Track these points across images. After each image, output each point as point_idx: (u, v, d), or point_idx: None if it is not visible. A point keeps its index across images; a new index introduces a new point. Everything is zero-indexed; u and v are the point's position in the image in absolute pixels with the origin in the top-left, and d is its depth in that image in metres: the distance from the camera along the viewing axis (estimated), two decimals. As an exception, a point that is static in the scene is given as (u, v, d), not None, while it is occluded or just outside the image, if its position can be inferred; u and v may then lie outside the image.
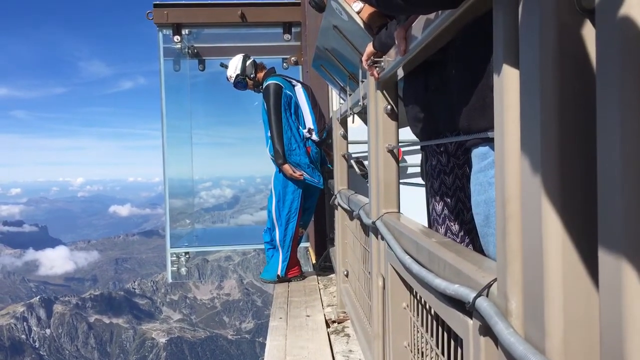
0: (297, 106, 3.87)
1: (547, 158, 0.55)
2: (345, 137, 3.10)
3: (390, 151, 1.61)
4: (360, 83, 2.11)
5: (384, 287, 1.57)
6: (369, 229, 1.86)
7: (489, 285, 0.74)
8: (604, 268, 0.44)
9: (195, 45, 5.84)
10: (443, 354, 1.04)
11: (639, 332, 0.40)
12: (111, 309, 54.64)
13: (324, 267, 4.51)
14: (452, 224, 1.44)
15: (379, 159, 1.63)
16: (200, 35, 5.79)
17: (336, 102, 4.60)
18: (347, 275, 2.95)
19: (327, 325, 2.94)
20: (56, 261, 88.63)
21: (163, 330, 49.85)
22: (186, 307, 56.71)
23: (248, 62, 4.06)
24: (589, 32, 0.53)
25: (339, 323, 2.94)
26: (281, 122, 3.74)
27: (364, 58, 1.61)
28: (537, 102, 0.56)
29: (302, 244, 4.74)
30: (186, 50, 5.74)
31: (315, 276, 4.19)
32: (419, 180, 2.77)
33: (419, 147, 2.12)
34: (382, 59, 1.52)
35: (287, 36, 5.51)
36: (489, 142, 1.07)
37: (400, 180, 1.68)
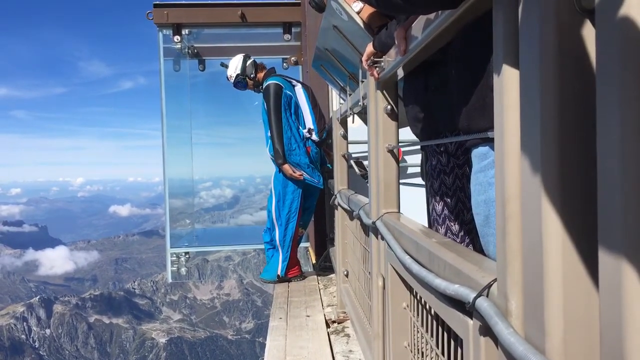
0: (297, 106, 3.87)
1: (547, 158, 0.55)
2: (345, 137, 3.10)
3: (390, 151, 1.61)
4: (360, 83, 2.11)
5: (384, 287, 1.57)
6: (369, 229, 1.86)
7: (489, 286, 0.74)
8: (604, 268, 0.44)
9: (195, 45, 5.84)
10: (443, 354, 1.04)
11: (639, 332, 0.40)
12: (111, 309, 54.65)
13: (324, 267, 4.51)
14: (452, 224, 1.44)
15: (379, 159, 1.63)
16: (200, 35, 5.79)
17: (336, 102, 4.60)
18: (347, 275, 2.95)
19: (327, 325, 2.94)
20: (56, 261, 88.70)
21: (163, 330, 49.86)
22: (186, 307, 56.72)
23: (248, 62, 4.06)
24: (589, 32, 0.53)
25: (339, 323, 2.94)
26: (281, 122, 3.74)
27: (364, 58, 1.61)
28: (537, 102, 0.56)
29: (302, 244, 4.74)
30: (186, 50, 5.74)
31: (315, 276, 4.19)
32: (419, 180, 2.77)
33: (419, 147, 2.12)
34: (382, 59, 1.52)
35: (287, 36, 5.51)
36: (489, 142, 1.07)
37: (400, 181, 1.68)
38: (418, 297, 1.25)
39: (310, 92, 4.02)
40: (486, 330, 0.73)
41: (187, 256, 5.53)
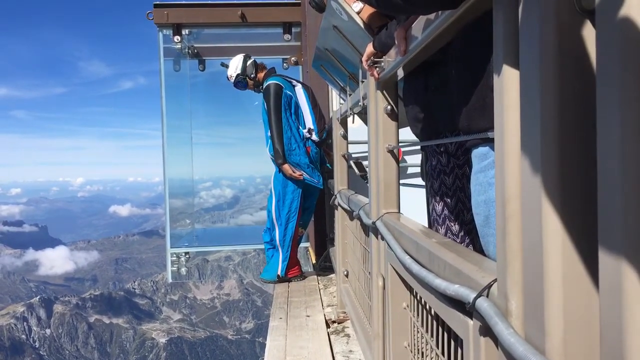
0: (297, 106, 3.87)
1: (547, 158, 0.55)
2: (345, 137, 3.10)
3: (390, 151, 1.61)
4: (360, 83, 2.11)
5: (384, 287, 1.57)
6: (369, 229, 1.86)
7: (489, 286, 0.74)
8: (604, 268, 0.44)
9: (196, 45, 5.84)
10: (443, 354, 1.04)
11: (639, 332, 0.40)
12: (111, 309, 54.65)
13: (324, 267, 4.51)
14: (452, 224, 1.44)
15: (379, 159, 1.63)
16: (201, 36, 5.79)
17: (336, 102, 4.60)
18: (347, 276, 2.95)
19: (327, 326, 2.94)
20: (56, 261, 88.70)
21: (163, 330, 49.86)
22: (186, 307, 56.72)
23: (248, 62, 4.07)
24: (589, 33, 0.53)
25: (339, 323, 2.94)
26: (281, 122, 3.74)
27: (364, 58, 1.61)
28: (537, 102, 0.56)
29: (302, 244, 4.74)
30: (186, 50, 5.74)
31: (315, 276, 4.19)
32: (419, 180, 2.77)
33: (419, 147, 2.12)
34: (382, 59, 1.52)
35: (287, 36, 5.51)
36: (489, 142, 1.07)
37: (400, 181, 1.68)
38: (418, 297, 1.25)
39: (310, 92, 4.02)
40: (486, 330, 0.73)
41: (187, 256, 5.53)
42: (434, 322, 1.10)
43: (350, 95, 2.59)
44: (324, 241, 4.87)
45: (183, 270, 5.49)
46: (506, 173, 0.67)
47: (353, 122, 2.81)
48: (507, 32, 0.66)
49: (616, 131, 0.42)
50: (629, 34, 0.40)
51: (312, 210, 4.27)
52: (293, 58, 5.78)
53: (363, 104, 1.98)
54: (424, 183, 1.68)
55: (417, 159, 3.34)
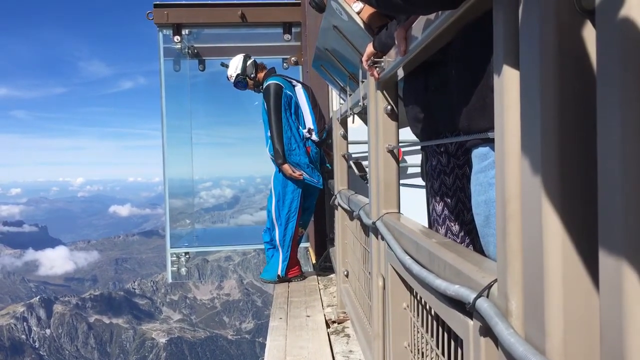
0: (297, 106, 3.87)
1: (547, 158, 0.55)
2: (345, 137, 3.10)
3: (390, 151, 1.61)
4: (360, 83, 2.11)
5: (384, 288, 1.57)
6: (369, 229, 1.86)
7: (489, 286, 0.74)
8: (604, 268, 0.44)
9: (196, 45, 5.84)
10: (443, 354, 1.04)
11: (639, 332, 0.40)
12: (111, 309, 54.65)
13: (324, 267, 4.52)
14: (452, 224, 1.44)
15: (379, 159, 1.63)
16: (201, 36, 5.79)
17: (336, 102, 4.60)
18: (347, 276, 2.95)
19: (327, 326, 2.94)
20: (56, 261, 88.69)
21: (163, 331, 49.86)
22: (186, 307, 56.72)
23: (249, 62, 4.07)
24: (589, 33, 0.53)
25: (339, 323, 2.94)
26: (281, 122, 3.74)
27: (364, 58, 1.61)
28: (538, 102, 0.56)
29: (302, 244, 4.74)
30: (186, 50, 5.74)
31: (315, 276, 4.19)
32: (419, 180, 2.77)
33: (419, 147, 2.12)
34: (382, 59, 1.52)
35: (287, 36, 5.51)
36: (489, 142, 1.07)
37: (400, 181, 1.68)
38: (418, 298, 1.25)
39: (310, 92, 4.02)
40: (486, 330, 0.73)
41: (187, 256, 5.53)
42: (434, 323, 1.10)
43: (350, 95, 2.59)
44: (324, 241, 4.87)
45: (183, 270, 5.49)
46: (506, 173, 0.67)
47: (353, 122, 2.81)
48: (507, 32, 0.66)
49: (616, 131, 0.42)
50: (629, 34, 0.40)
51: (312, 210, 4.27)
52: (293, 58, 5.78)
53: (363, 104, 1.98)
54: (424, 183, 1.68)
55: (417, 159, 3.34)
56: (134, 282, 63.43)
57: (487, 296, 0.74)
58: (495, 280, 0.72)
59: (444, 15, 0.95)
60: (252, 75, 4.05)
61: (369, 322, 2.10)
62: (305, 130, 3.87)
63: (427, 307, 1.16)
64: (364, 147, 2.30)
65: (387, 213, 1.61)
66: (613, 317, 0.43)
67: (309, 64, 4.12)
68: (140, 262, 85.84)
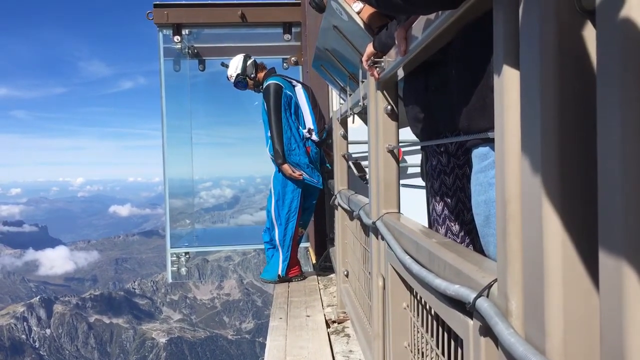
0: (297, 106, 3.87)
1: (548, 158, 0.55)
2: (345, 137, 3.10)
3: (391, 151, 1.61)
4: (360, 83, 2.11)
5: (384, 287, 1.57)
6: (369, 229, 1.86)
7: (489, 286, 0.74)
8: (604, 268, 0.44)
9: (196, 45, 5.84)
10: (443, 354, 1.04)
11: (639, 332, 0.40)
12: (111, 309, 54.64)
13: (324, 267, 4.52)
14: (452, 224, 1.44)
15: (379, 159, 1.63)
16: (201, 36, 5.79)
17: (336, 102, 4.60)
18: (347, 276, 2.95)
19: (327, 326, 2.94)
20: (56, 261, 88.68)
21: (163, 330, 49.86)
22: (186, 307, 56.72)
23: (249, 62, 4.07)
24: (589, 33, 0.53)
25: (339, 323, 2.94)
26: (281, 122, 3.74)
27: (364, 58, 1.61)
28: (538, 102, 0.56)
29: (302, 244, 4.74)
30: (186, 50, 5.74)
31: (315, 276, 4.19)
32: (419, 180, 2.77)
33: (419, 147, 2.12)
34: (382, 59, 1.52)
35: (287, 36, 5.51)
36: (489, 142, 1.07)
37: (401, 181, 1.68)
38: (418, 297, 1.25)
39: (310, 92, 4.02)
40: (486, 330, 0.73)
41: (187, 256, 5.53)
42: (434, 322, 1.10)
43: (350, 95, 2.59)
44: (324, 241, 4.87)
45: (183, 270, 5.49)
46: (506, 173, 0.67)
47: (353, 122, 2.81)
48: (507, 32, 0.66)
49: (616, 131, 0.42)
50: (629, 34, 0.40)
51: (312, 210, 4.27)
52: (293, 58, 5.78)
53: (363, 104, 1.98)
54: (424, 183, 1.68)
55: (417, 159, 3.33)
56: (134, 282, 63.43)
57: (487, 296, 0.74)
58: (495, 280, 0.72)
59: (444, 15, 0.95)
60: (252, 75, 4.05)
61: (369, 322, 2.10)
62: (305, 131, 3.87)
63: (427, 307, 1.16)
64: (364, 147, 2.30)
65: (387, 213, 1.61)
66: (613, 317, 0.43)
67: (309, 64, 4.12)
68: (140, 262, 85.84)
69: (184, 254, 5.49)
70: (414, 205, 2.03)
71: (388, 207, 1.62)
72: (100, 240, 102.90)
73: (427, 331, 1.17)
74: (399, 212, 1.63)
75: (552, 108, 0.54)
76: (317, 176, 3.95)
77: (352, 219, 2.54)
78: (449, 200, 1.43)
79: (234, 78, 4.08)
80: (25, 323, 49.35)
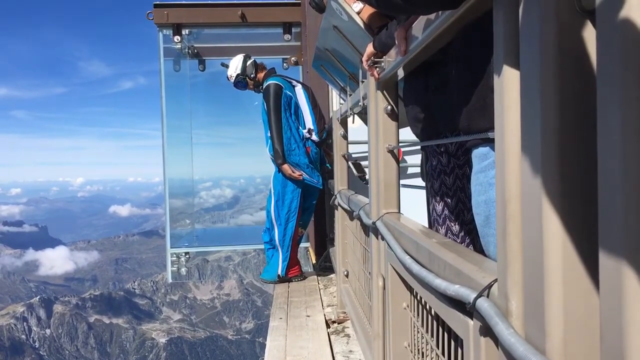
0: (297, 106, 3.87)
1: (548, 158, 0.55)
2: (345, 137, 3.10)
3: (391, 151, 1.61)
4: (360, 83, 2.11)
5: (384, 288, 1.57)
6: (369, 229, 1.86)
7: (489, 286, 0.74)
8: (604, 268, 0.44)
9: (196, 45, 5.84)
10: (443, 354, 1.04)
11: (639, 332, 0.41)
12: (111, 309, 54.64)
13: (324, 267, 4.52)
14: (452, 224, 1.44)
15: (379, 159, 1.63)
16: (201, 36, 5.79)
17: (336, 102, 4.60)
18: (347, 276, 2.95)
19: (327, 326, 2.94)
20: (56, 261, 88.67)
21: (163, 331, 49.85)
22: (186, 307, 56.71)
23: (248, 62, 4.07)
24: (589, 33, 0.53)
25: (339, 323, 2.94)
26: (281, 122, 3.74)
27: (364, 58, 1.61)
28: (538, 102, 0.56)
29: (302, 244, 4.74)
30: (186, 50, 5.74)
31: (315, 276, 4.19)
32: (419, 180, 2.77)
33: (419, 147, 2.12)
34: (382, 60, 1.52)
35: (287, 36, 5.51)
36: (490, 142, 1.07)
37: (401, 181, 1.68)
38: (418, 298, 1.25)
39: (310, 92, 4.02)
40: (486, 330, 0.73)
41: (187, 256, 5.53)
42: (434, 322, 1.10)
43: (350, 95, 2.59)
44: (324, 241, 4.87)
45: (183, 270, 5.49)
46: (506, 173, 0.67)
47: (353, 122, 2.81)
48: (507, 32, 0.66)
49: (617, 131, 0.42)
50: (629, 34, 0.40)
51: (312, 211, 4.27)
52: (293, 58, 5.78)
53: (363, 104, 1.98)
54: (424, 183, 1.68)
55: (417, 159, 3.33)
56: (134, 282, 63.42)
57: (487, 296, 0.74)
58: (496, 280, 0.72)
59: (444, 15, 0.95)
60: (252, 76, 4.05)
61: (369, 322, 2.10)
62: (305, 131, 3.87)
63: (427, 307, 1.16)
64: (364, 147, 2.30)
65: (387, 213, 1.61)
66: (613, 317, 0.43)
67: (309, 64, 4.12)
68: (140, 262, 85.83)
69: (184, 254, 5.49)
70: (414, 205, 2.03)
71: (388, 207, 1.62)
72: (100, 240, 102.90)
73: (427, 331, 1.17)
74: (399, 212, 1.63)
75: (552, 108, 0.54)
76: (317, 176, 3.95)
77: (352, 219, 2.54)
78: (449, 200, 1.43)
79: (233, 78, 4.08)
80: (25, 323, 49.35)
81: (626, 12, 0.40)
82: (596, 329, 0.52)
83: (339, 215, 3.05)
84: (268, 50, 5.83)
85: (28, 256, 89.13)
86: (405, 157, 3.63)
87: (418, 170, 3.17)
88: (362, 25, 1.87)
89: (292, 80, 4.02)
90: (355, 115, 2.66)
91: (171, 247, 5.48)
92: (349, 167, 3.18)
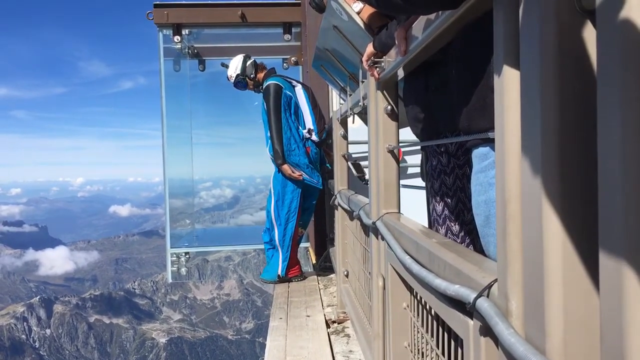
0: (297, 106, 3.87)
1: (548, 158, 0.55)
2: (345, 137, 3.10)
3: (391, 151, 1.61)
4: (360, 83, 2.11)
5: (384, 288, 1.57)
6: (369, 229, 1.86)
7: (489, 286, 0.74)
8: (604, 268, 0.44)
9: (196, 45, 5.84)
10: (443, 354, 1.04)
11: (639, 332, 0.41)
12: (111, 309, 54.64)
13: (324, 267, 4.52)
14: (452, 224, 1.44)
15: (379, 159, 1.63)
16: (201, 36, 5.79)
17: (336, 102, 4.60)
18: (347, 276, 2.95)
19: (327, 326, 2.94)
20: (56, 261, 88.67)
21: (163, 331, 49.85)
22: (186, 307, 56.71)
23: (248, 62, 4.07)
24: (589, 33, 0.53)
25: (339, 323, 2.94)
26: (281, 122, 3.74)
27: (364, 58, 1.61)
28: (538, 102, 0.56)
29: (302, 244, 4.74)
30: (186, 50, 5.74)
31: (316, 276, 4.19)
32: (419, 180, 2.77)
33: (419, 147, 2.12)
34: (382, 60, 1.52)
35: (287, 36, 5.51)
36: (490, 142, 1.07)
37: (401, 181, 1.68)
38: (418, 298, 1.25)
39: (310, 92, 4.02)
40: (486, 330, 0.73)
41: (187, 256, 5.53)
42: (434, 322, 1.10)
43: (350, 95, 2.59)
44: (324, 241, 4.87)
45: (183, 270, 5.49)
46: (506, 173, 0.67)
47: (353, 122, 2.81)
48: (507, 32, 0.66)
49: (617, 131, 0.42)
50: (629, 34, 0.40)
51: (311, 211, 4.27)
52: (293, 58, 5.78)
53: (363, 104, 1.98)
54: (424, 183, 1.68)
55: (417, 159, 3.33)
56: (134, 282, 63.42)
57: (488, 296, 0.74)
58: (496, 280, 0.72)
59: (444, 15, 0.95)
60: (252, 76, 4.05)
61: (369, 322, 2.10)
62: (305, 131, 3.87)
63: (427, 307, 1.16)
64: (364, 147, 2.30)
65: (387, 213, 1.61)
66: (613, 317, 0.43)
67: (309, 64, 4.12)
68: (140, 262, 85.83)
69: (184, 254, 5.49)
70: (414, 205, 2.03)
71: (388, 207, 1.62)
72: (100, 240, 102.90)
73: (427, 331, 1.17)
74: (399, 212, 1.63)
75: (553, 108, 0.54)
76: (317, 176, 3.95)
77: (352, 219, 2.54)
78: (449, 200, 1.43)
79: (233, 78, 4.08)
80: (25, 323, 49.35)
81: (626, 12, 0.40)
82: (596, 329, 0.52)
83: (339, 215, 3.05)
84: (268, 50, 5.83)
85: (28, 256, 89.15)
86: (405, 157, 3.63)
87: (418, 170, 3.17)
88: (362, 25, 1.87)
89: (292, 81, 4.02)
90: (355, 115, 2.66)
91: (171, 247, 5.48)
92: (349, 167, 3.18)
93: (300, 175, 3.79)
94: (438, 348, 1.07)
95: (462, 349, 0.89)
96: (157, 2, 5.30)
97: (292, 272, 3.98)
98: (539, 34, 0.55)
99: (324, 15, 2.24)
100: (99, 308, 54.31)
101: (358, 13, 1.86)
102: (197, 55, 5.91)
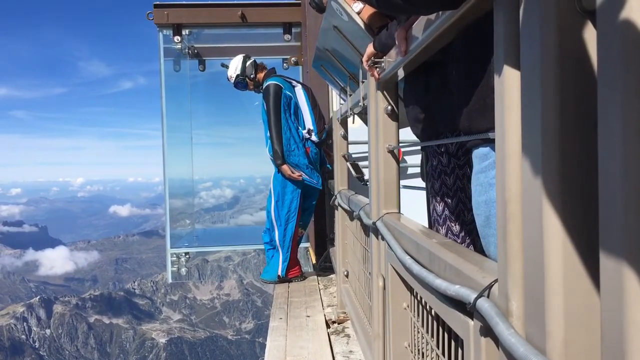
0: (296, 107, 3.87)
1: (548, 158, 0.55)
2: (345, 137, 3.10)
3: (391, 152, 1.61)
4: (360, 83, 2.11)
5: (384, 288, 1.57)
6: (369, 230, 1.86)
7: (489, 286, 0.74)
8: (604, 268, 0.44)
9: (196, 45, 5.84)
10: (444, 354, 1.04)
11: (640, 332, 0.41)
12: (111, 309, 54.63)
13: (324, 267, 4.52)
14: (452, 224, 1.44)
15: (379, 160, 1.63)
16: (201, 36, 5.79)
17: (336, 102, 4.60)
18: (347, 276, 2.95)
19: (327, 326, 2.94)
20: (56, 261, 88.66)
21: (163, 331, 49.85)
22: (186, 307, 56.70)
23: (248, 63, 4.07)
24: (589, 33, 0.53)
25: (339, 323, 2.94)
26: (280, 122, 3.74)
27: (364, 59, 1.61)
28: (538, 102, 0.56)
29: (302, 244, 4.74)
30: (186, 50, 5.74)
31: (316, 276, 4.19)
32: (419, 181, 2.77)
33: (419, 147, 2.12)
34: (382, 60, 1.52)
35: (287, 36, 5.51)
36: (490, 142, 1.07)
37: (401, 182, 1.68)
38: (418, 298, 1.26)
39: (310, 92, 4.02)
40: (487, 330, 0.74)
41: (187, 256, 5.53)
42: (435, 323, 1.10)
43: (350, 95, 2.59)
44: (324, 241, 4.87)
45: (183, 270, 5.49)
46: (507, 173, 0.67)
47: (353, 123, 2.80)
48: (507, 32, 0.66)
49: (617, 132, 0.42)
50: (630, 35, 0.40)
51: (311, 211, 4.27)
52: (293, 58, 5.78)
53: (363, 104, 1.98)
54: (424, 183, 1.68)
55: (417, 159, 3.33)
56: (134, 282, 63.41)
57: (488, 296, 0.74)
58: (496, 281, 0.72)
59: (445, 15, 0.95)
60: (252, 76, 4.05)
61: (369, 322, 2.10)
62: (304, 131, 3.87)
63: (428, 307, 1.16)
64: (364, 147, 2.30)
65: (387, 213, 1.61)
66: (613, 317, 0.43)
67: (309, 64, 4.12)
68: (140, 262, 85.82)
69: (184, 254, 5.49)
70: (414, 205, 2.03)
71: (388, 208, 1.62)
72: (100, 240, 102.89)
73: (427, 331, 1.18)
74: (399, 212, 1.63)
75: (553, 108, 0.55)
76: (317, 177, 3.95)
77: (352, 219, 2.54)
78: (449, 200, 1.43)
79: (233, 79, 4.08)
80: (25, 323, 49.34)
81: (627, 12, 0.40)
82: (597, 329, 0.52)
83: (339, 216, 3.05)
84: (268, 51, 5.83)
85: (28, 256, 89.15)
86: (405, 157, 3.63)
87: (418, 170, 3.17)
88: (362, 25, 1.87)
89: (292, 81, 4.02)
90: (355, 116, 2.66)
91: (171, 247, 5.48)
92: (349, 167, 3.18)
93: (300, 175, 3.79)
94: (438, 348, 1.08)
95: (462, 349, 0.89)
96: (157, 2, 5.30)
97: (292, 273, 3.98)
98: (539, 34, 0.55)
99: (324, 15, 2.24)
100: (99, 308, 54.30)
101: (358, 13, 1.86)
102: (197, 55, 5.91)
